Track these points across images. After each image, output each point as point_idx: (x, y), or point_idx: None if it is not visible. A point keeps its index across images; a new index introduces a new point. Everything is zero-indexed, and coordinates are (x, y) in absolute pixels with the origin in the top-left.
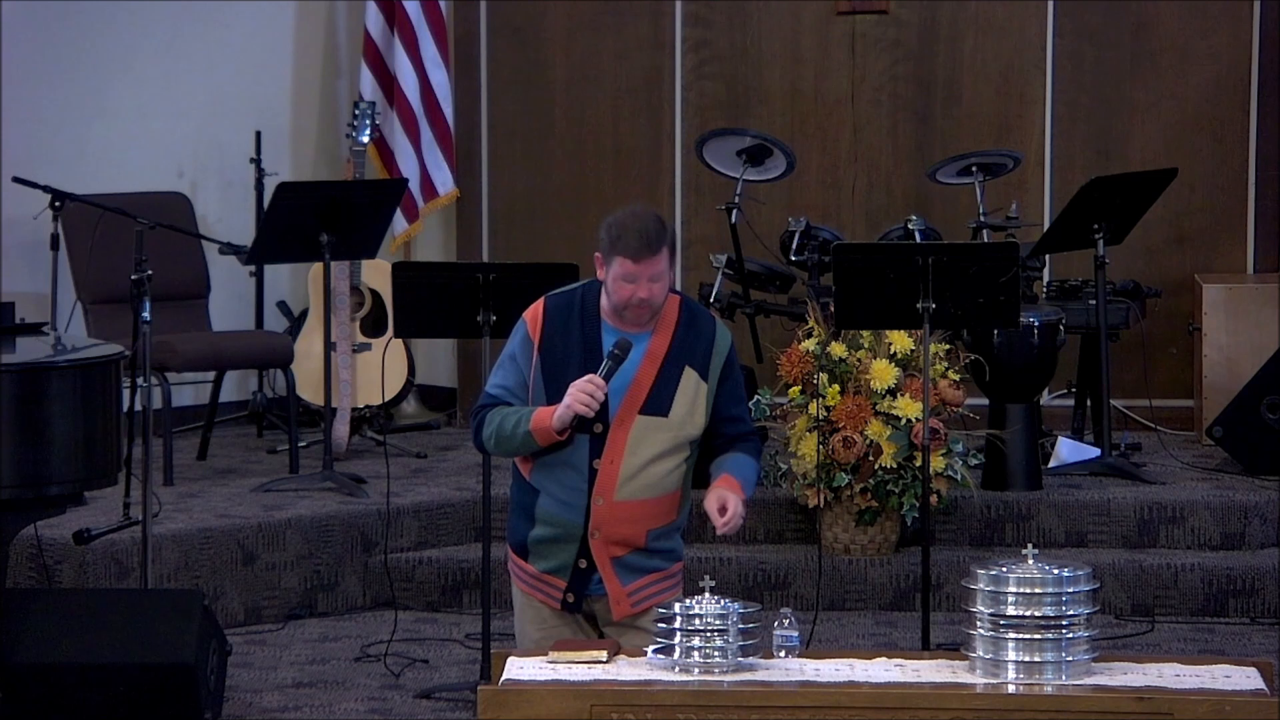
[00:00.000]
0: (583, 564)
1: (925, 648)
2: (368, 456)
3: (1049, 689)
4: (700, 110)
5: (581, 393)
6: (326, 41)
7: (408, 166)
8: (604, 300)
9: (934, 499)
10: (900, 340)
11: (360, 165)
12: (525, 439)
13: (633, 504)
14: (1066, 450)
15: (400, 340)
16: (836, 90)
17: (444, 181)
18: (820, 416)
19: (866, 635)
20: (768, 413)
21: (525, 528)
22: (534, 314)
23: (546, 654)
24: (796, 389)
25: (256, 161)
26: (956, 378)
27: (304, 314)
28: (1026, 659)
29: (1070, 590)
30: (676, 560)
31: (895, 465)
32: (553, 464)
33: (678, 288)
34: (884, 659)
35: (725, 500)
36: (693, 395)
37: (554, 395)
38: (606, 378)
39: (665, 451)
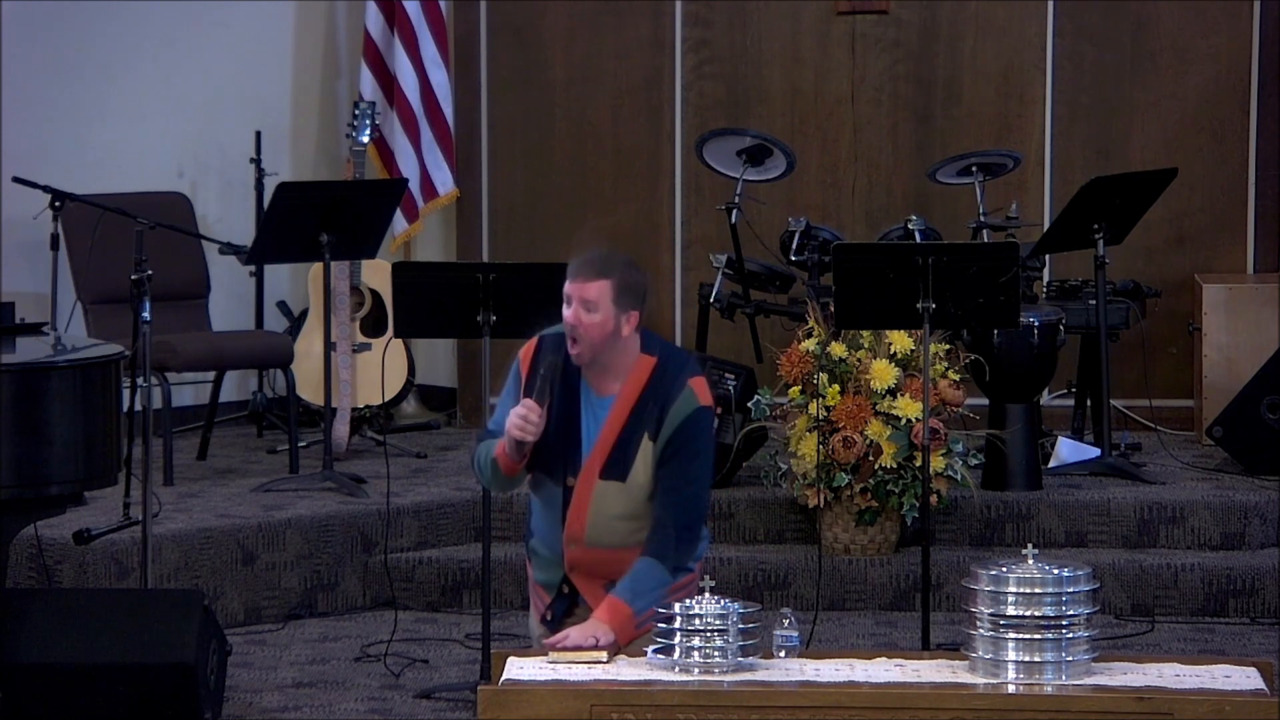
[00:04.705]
0: (565, 589)
1: (925, 648)
2: (368, 456)
3: (1049, 689)
4: (700, 110)
5: (517, 417)
6: (326, 41)
7: (408, 166)
8: None
9: (934, 499)
10: (900, 340)
11: (360, 165)
12: (494, 467)
13: (604, 551)
14: (1066, 450)
15: (400, 340)
16: (836, 90)
17: (444, 181)
18: (820, 416)
19: (866, 635)
20: (768, 413)
21: (529, 534)
22: (527, 352)
23: (546, 654)
24: (796, 389)
25: (256, 161)
26: (956, 378)
27: (304, 314)
28: (1026, 659)
29: (1070, 590)
30: (684, 574)
31: (895, 465)
32: (541, 501)
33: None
34: (884, 659)
35: (569, 633)
36: (650, 461)
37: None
38: (538, 399)
39: (628, 514)
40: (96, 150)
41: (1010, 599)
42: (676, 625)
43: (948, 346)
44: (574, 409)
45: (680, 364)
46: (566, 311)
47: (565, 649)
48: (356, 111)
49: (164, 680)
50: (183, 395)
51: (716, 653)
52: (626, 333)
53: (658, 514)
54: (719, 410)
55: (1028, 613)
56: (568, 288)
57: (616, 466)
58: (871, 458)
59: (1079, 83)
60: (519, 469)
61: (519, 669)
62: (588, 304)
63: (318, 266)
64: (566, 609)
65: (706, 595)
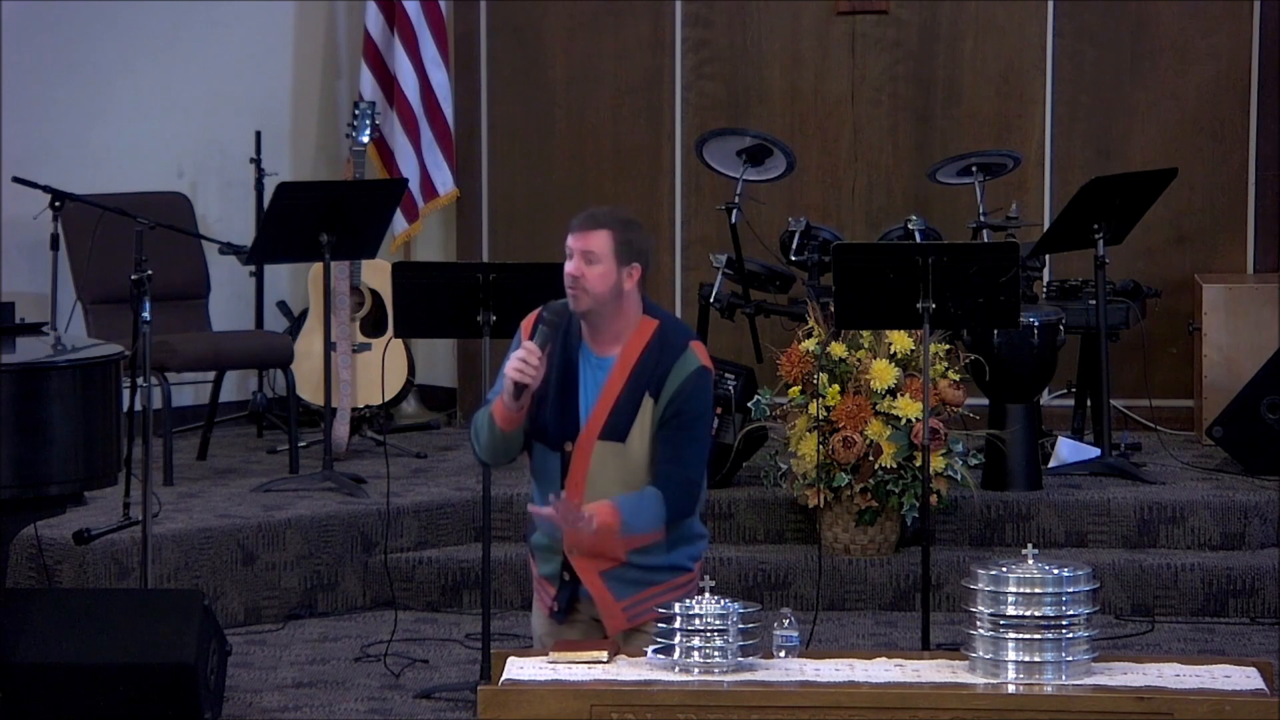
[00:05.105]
0: (567, 576)
1: (925, 648)
2: (368, 456)
3: (1049, 689)
4: (700, 110)
5: (516, 359)
6: (326, 41)
7: (408, 166)
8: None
9: (934, 499)
10: (900, 340)
11: (360, 165)
12: (491, 424)
13: None
14: (1066, 450)
15: (400, 340)
16: (836, 90)
17: (444, 181)
18: (820, 416)
19: (866, 635)
20: (767, 413)
21: (531, 529)
22: (528, 322)
23: (547, 654)
24: (796, 389)
25: (256, 161)
26: (956, 378)
27: (304, 314)
28: (1026, 659)
29: (1070, 590)
30: (683, 573)
31: (895, 465)
32: (538, 475)
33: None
34: (884, 659)
35: (563, 504)
36: (649, 421)
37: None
38: (541, 345)
39: (625, 482)
40: (96, 150)
41: (1010, 599)
42: (676, 625)
43: (948, 346)
44: (573, 373)
45: (682, 329)
46: (569, 265)
47: (549, 515)
48: (356, 111)
49: (164, 680)
50: (183, 395)
51: (716, 653)
52: (629, 287)
53: (660, 467)
54: (719, 410)
55: (1028, 613)
56: (569, 242)
57: (616, 427)
58: (871, 458)
59: (1079, 83)
60: (517, 423)
61: (519, 669)
62: (589, 255)
63: (318, 266)
64: (570, 599)
65: (706, 595)
